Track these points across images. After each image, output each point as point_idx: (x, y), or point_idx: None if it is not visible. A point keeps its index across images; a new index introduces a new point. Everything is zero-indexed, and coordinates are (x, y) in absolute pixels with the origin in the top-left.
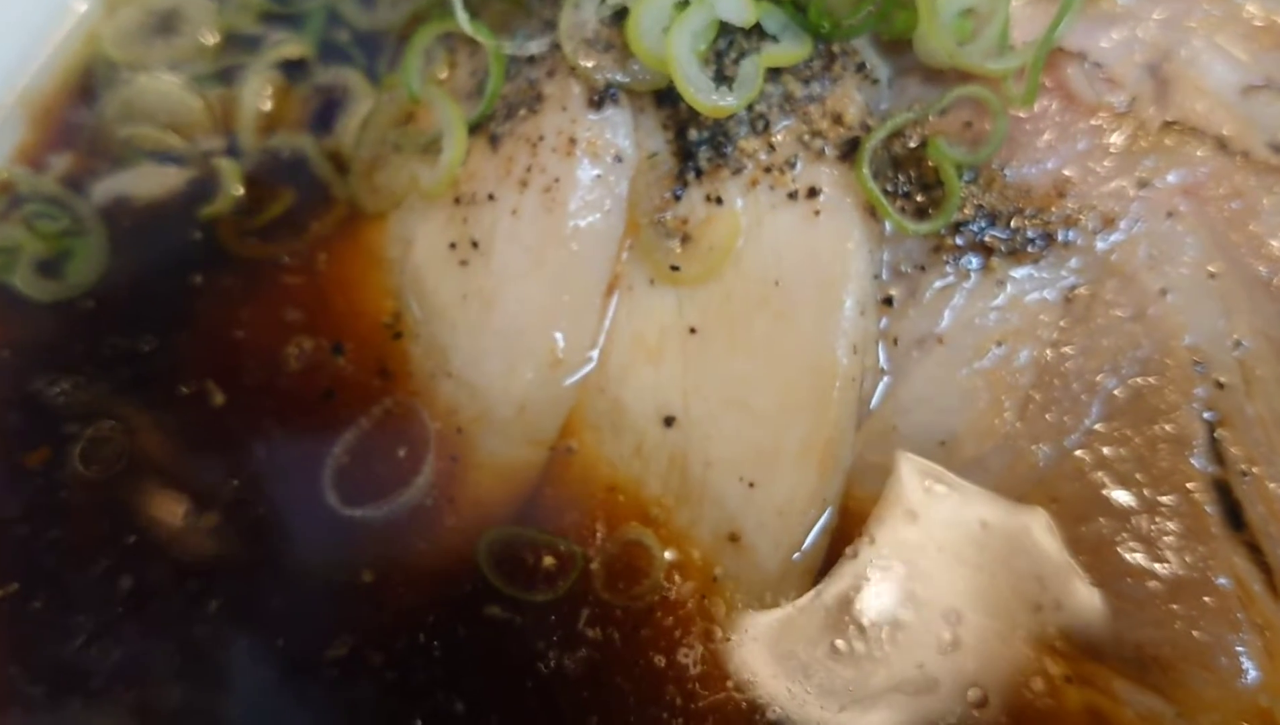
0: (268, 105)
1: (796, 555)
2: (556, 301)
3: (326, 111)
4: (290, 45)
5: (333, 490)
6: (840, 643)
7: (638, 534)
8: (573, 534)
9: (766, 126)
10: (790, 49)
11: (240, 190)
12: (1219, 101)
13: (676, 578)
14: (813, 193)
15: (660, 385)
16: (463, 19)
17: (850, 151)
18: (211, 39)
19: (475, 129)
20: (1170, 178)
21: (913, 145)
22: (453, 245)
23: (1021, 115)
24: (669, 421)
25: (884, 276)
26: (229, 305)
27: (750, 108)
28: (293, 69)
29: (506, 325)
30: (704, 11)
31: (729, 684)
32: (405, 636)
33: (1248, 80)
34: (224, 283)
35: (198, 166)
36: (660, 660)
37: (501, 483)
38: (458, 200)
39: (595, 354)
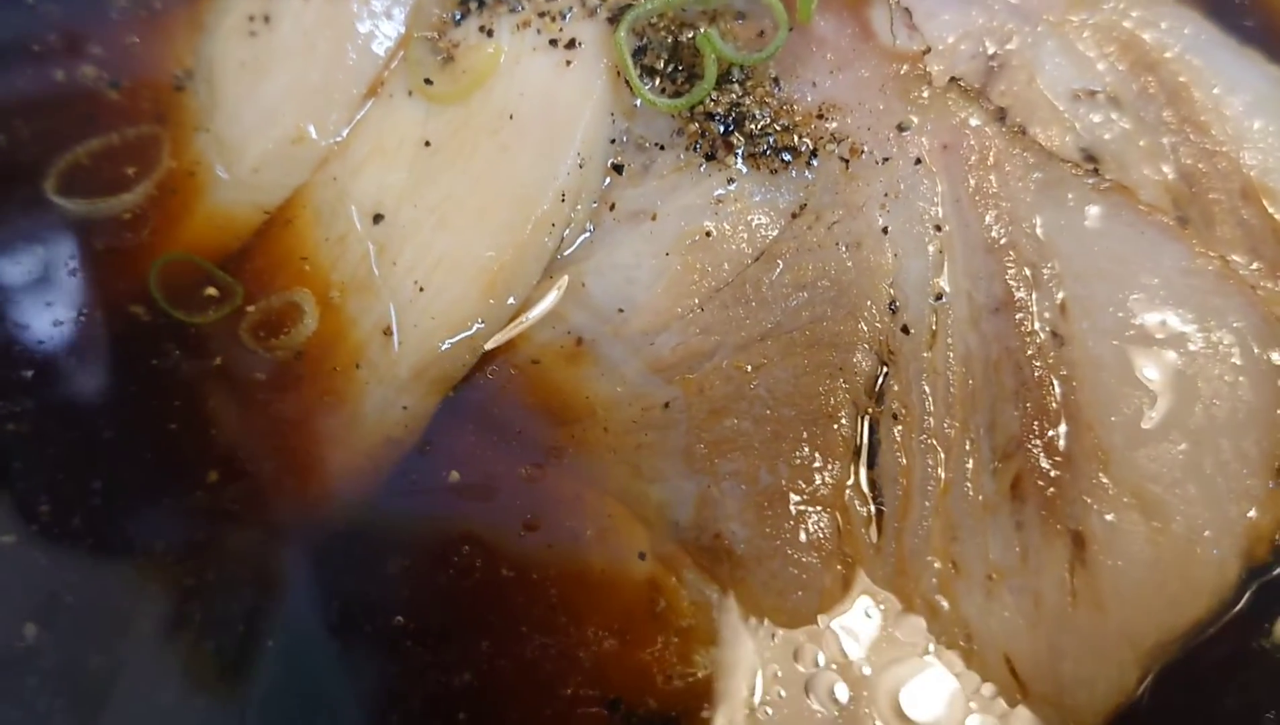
0: None
1: (431, 359)
2: (317, 86)
3: None
4: None
5: (53, 178)
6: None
7: (301, 297)
8: (248, 282)
9: None
10: None
11: None
12: (1042, 95)
13: (322, 350)
14: (572, 45)
15: (383, 186)
16: None
17: (620, 16)
18: None
19: None
20: (931, 129)
21: (694, 36)
22: (251, 17)
23: (813, 39)
24: (378, 219)
25: (624, 145)
26: (36, 28)
27: None
28: None
29: (266, 95)
30: None
31: (329, 443)
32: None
33: (1084, 85)
34: (47, 9)
35: None
36: (271, 407)
37: (213, 229)
38: None
39: (336, 143)
